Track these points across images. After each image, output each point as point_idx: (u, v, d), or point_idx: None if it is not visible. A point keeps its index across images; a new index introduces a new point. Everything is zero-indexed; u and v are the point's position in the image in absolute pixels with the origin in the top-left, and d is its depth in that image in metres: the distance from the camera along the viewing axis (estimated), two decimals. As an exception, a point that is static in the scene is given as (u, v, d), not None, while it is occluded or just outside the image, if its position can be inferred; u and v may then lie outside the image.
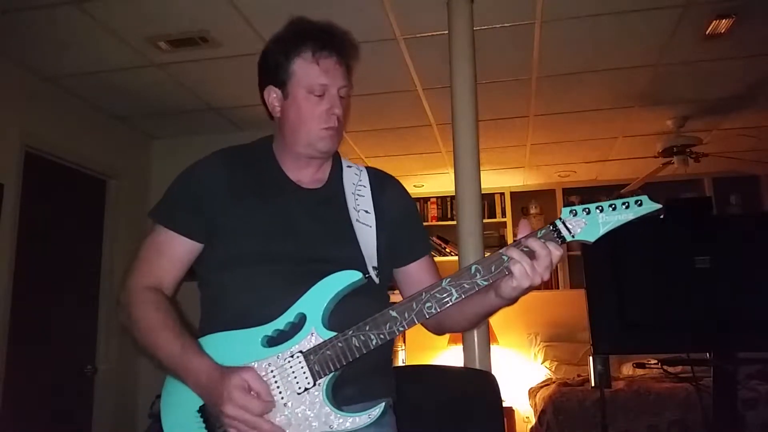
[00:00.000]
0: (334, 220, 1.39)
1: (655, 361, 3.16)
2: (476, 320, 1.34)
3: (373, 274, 1.34)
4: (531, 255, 1.14)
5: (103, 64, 3.38)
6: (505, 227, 6.31)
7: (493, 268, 1.16)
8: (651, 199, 1.12)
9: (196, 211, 1.34)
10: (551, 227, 1.17)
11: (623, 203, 1.13)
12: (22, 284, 3.28)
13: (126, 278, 1.34)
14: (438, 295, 1.16)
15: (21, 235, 3.28)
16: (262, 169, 1.41)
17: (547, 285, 6.08)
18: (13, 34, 3.02)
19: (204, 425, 1.22)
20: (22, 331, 3.26)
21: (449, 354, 5.70)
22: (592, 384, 3.45)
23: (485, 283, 1.16)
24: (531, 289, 1.16)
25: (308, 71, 1.36)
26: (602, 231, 1.14)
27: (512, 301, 1.21)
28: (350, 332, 1.19)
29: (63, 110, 3.71)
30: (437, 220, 6.43)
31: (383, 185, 1.50)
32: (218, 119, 4.23)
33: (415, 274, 1.48)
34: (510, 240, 6.18)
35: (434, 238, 6.34)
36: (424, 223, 6.32)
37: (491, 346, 2.78)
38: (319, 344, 1.20)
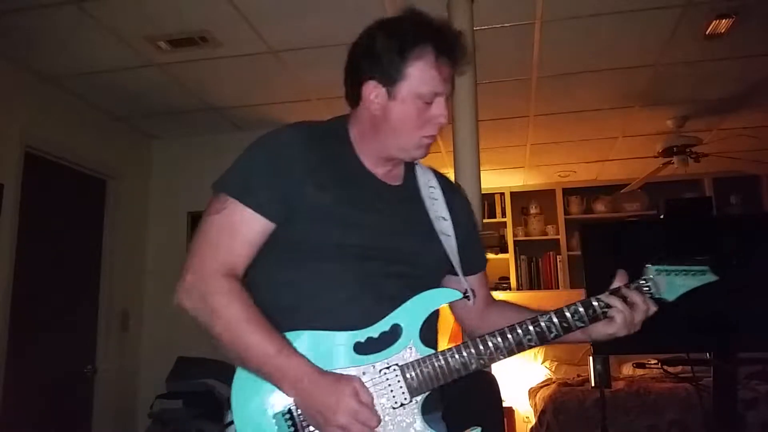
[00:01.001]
0: (419, 221, 1.34)
1: (655, 361, 3.16)
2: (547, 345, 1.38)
3: (471, 293, 1.34)
4: (630, 306, 1.21)
5: (103, 64, 3.38)
6: (505, 227, 6.29)
7: (590, 312, 1.22)
8: (711, 270, 1.29)
9: (278, 190, 1.21)
10: (644, 282, 1.25)
11: (692, 272, 1.28)
12: (22, 284, 3.28)
13: (195, 259, 1.20)
14: (537, 330, 1.20)
15: (21, 235, 3.28)
16: (340, 155, 1.31)
17: (547, 285, 6.08)
18: (13, 34, 3.02)
19: (292, 429, 1.14)
20: (21, 331, 3.26)
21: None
22: (592, 384, 3.45)
23: (582, 325, 1.22)
24: (620, 336, 1.24)
25: (426, 77, 1.25)
26: (680, 293, 1.26)
27: (595, 341, 1.28)
28: (449, 353, 1.17)
29: (63, 110, 3.71)
30: (437, 220, 6.41)
31: (451, 189, 1.46)
32: (218, 119, 4.23)
33: (474, 286, 1.43)
34: (510, 240, 6.19)
35: (434, 238, 6.32)
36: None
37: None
38: (417, 360, 1.17)
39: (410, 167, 1.42)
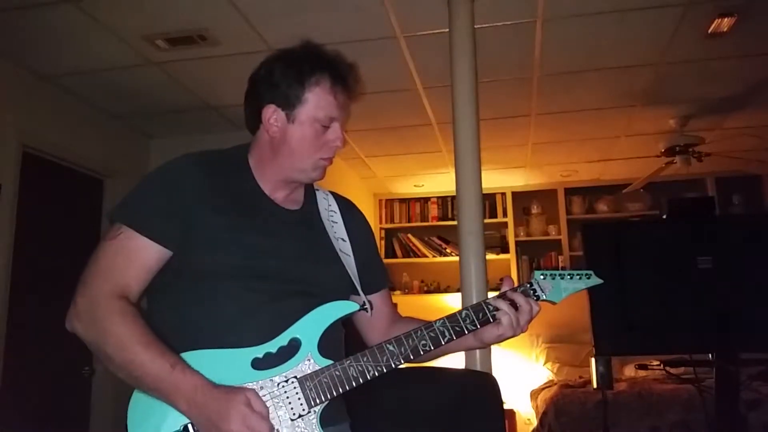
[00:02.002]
0: (317, 243, 1.40)
1: (657, 363, 3.14)
2: (444, 355, 1.39)
3: (368, 305, 1.38)
4: (515, 307, 1.28)
5: (101, 62, 3.36)
6: (506, 227, 6.27)
7: (480, 316, 1.29)
8: (596, 274, 1.35)
9: (172, 218, 1.25)
10: (529, 285, 1.34)
11: (578, 275, 1.35)
12: (20, 284, 3.26)
13: (86, 284, 1.22)
14: (431, 335, 1.26)
15: (18, 235, 3.26)
16: (238, 181, 1.37)
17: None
18: (10, 32, 3.00)
19: None
20: (19, 332, 3.24)
21: (450, 355, 5.66)
22: (594, 385, 3.43)
23: (473, 328, 1.28)
24: (508, 338, 1.31)
25: (323, 102, 1.33)
26: (564, 295, 1.34)
27: (487, 346, 1.37)
28: (347, 362, 1.22)
29: (60, 109, 3.69)
30: (438, 220, 6.41)
31: (351, 213, 1.53)
32: (216, 118, 4.21)
33: (377, 304, 1.48)
34: (511, 240, 6.18)
35: (435, 238, 6.33)
36: (425, 224, 6.38)
37: (492, 347, 2.76)
38: (315, 371, 1.20)
39: (310, 192, 1.49)
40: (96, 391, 3.81)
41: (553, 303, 1.34)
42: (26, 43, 3.11)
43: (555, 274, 1.34)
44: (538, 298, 1.32)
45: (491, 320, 1.28)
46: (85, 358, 3.75)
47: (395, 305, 1.60)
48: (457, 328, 1.26)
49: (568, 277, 1.34)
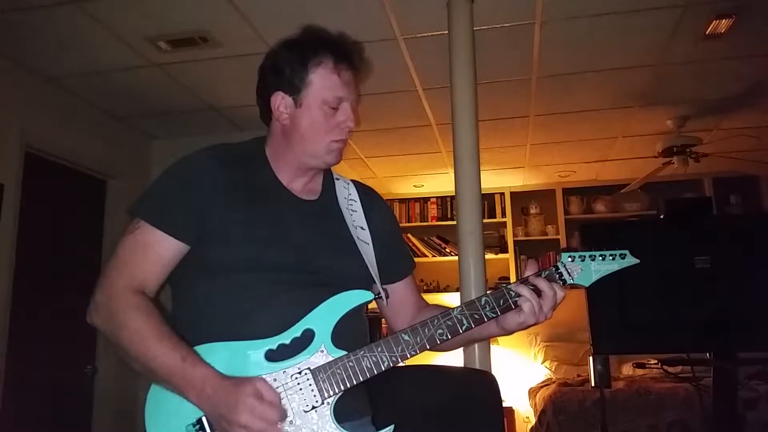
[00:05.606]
0: (334, 233, 1.38)
1: (655, 361, 3.16)
2: (468, 344, 1.38)
3: (383, 294, 1.37)
4: (538, 293, 1.22)
5: (103, 64, 3.37)
6: (505, 227, 6.30)
7: (501, 302, 1.23)
8: (631, 253, 1.26)
9: (189, 212, 1.25)
10: (554, 269, 1.26)
11: (611, 255, 1.26)
12: (23, 284, 3.28)
13: (105, 278, 1.24)
14: (449, 323, 1.21)
15: (21, 236, 3.28)
16: (255, 173, 1.36)
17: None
18: (13, 34, 3.02)
19: None
20: (22, 332, 3.26)
21: (449, 354, 5.68)
22: (592, 384, 3.45)
23: (493, 316, 1.22)
24: (532, 326, 1.25)
25: (328, 82, 1.32)
26: (595, 278, 1.26)
27: (510, 333, 1.29)
28: (361, 352, 1.19)
29: (63, 110, 3.71)
30: (437, 220, 6.43)
31: (372, 201, 1.51)
32: (218, 119, 4.23)
33: (401, 292, 1.48)
34: (510, 240, 6.19)
35: (434, 238, 6.34)
36: (425, 224, 6.39)
37: (491, 346, 2.78)
38: (328, 362, 1.19)
39: (329, 181, 1.48)
40: (98, 390, 3.83)
41: (584, 287, 1.27)
42: (29, 44, 3.13)
43: (584, 256, 1.25)
44: (564, 282, 1.25)
45: (512, 307, 1.23)
46: (87, 357, 3.77)
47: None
48: (476, 316, 1.21)
49: (600, 258, 1.25)
